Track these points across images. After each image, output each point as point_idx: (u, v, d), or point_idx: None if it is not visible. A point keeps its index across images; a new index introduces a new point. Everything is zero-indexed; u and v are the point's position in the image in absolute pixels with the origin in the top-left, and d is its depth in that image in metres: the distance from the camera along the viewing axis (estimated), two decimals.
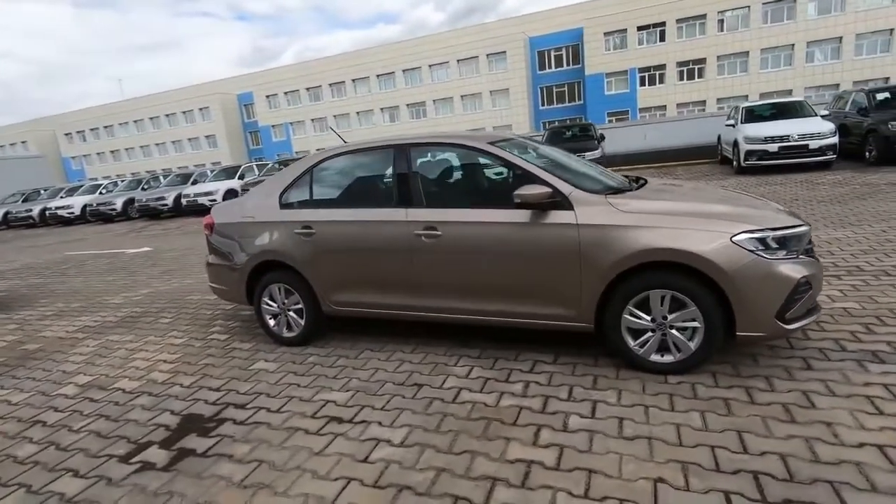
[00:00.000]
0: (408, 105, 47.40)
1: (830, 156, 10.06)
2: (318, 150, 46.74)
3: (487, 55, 43.60)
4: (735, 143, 11.28)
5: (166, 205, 17.17)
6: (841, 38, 34.57)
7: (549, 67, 44.19)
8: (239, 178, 17.23)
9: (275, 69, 56.89)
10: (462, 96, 45.32)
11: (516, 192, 2.73)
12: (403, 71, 46.83)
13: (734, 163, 11.43)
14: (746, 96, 36.54)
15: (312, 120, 51.10)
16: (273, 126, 52.65)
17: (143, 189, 19.31)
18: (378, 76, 47.74)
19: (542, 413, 2.47)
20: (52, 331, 4.82)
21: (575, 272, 2.72)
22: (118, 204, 18.42)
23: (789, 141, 10.11)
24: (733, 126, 11.78)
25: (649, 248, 2.54)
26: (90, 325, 4.89)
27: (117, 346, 4.13)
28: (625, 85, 40.08)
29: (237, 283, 3.75)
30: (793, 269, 2.46)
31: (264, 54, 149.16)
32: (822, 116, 11.01)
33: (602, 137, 13.12)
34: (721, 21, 36.83)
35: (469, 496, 1.93)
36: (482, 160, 3.25)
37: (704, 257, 2.46)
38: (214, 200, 16.30)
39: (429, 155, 3.37)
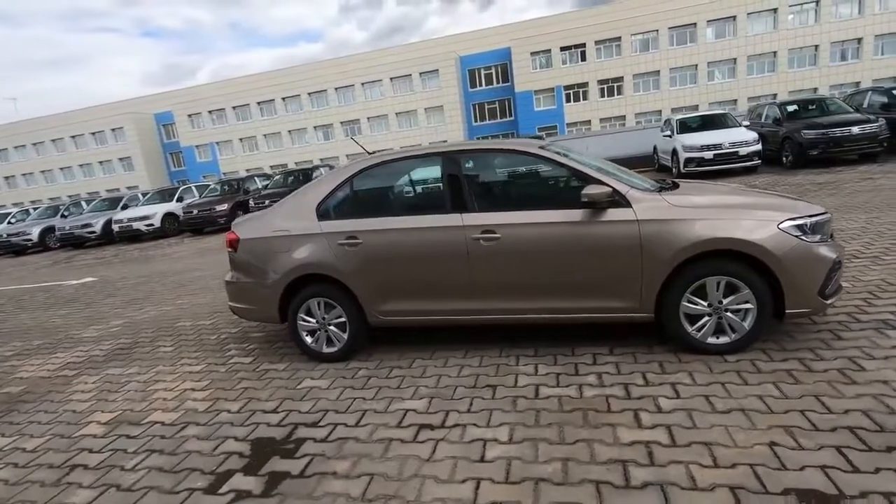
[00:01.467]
0: (342, 123, 46.91)
1: (756, 161, 11.30)
2: (248, 170, 44.94)
3: (420, 73, 44.33)
4: (674, 152, 12.32)
5: (94, 232, 15.76)
6: (735, 59, 38.81)
7: (480, 85, 45.70)
8: (178, 201, 16.19)
9: (196, 87, 54.12)
10: (397, 113, 45.60)
11: (584, 191, 2.87)
12: (336, 89, 46.38)
13: (673, 169, 12.45)
14: (660, 111, 39.87)
15: (241, 139, 49.09)
16: (197, 146, 49.95)
17: (62, 216, 17.55)
18: (310, 94, 46.91)
19: (629, 399, 2.59)
20: (29, 370, 4.29)
21: (636, 265, 2.90)
22: (34, 233, 16.65)
23: (722, 149, 11.23)
24: (670, 136, 12.87)
25: (708, 239, 2.77)
26: (73, 360, 4.41)
27: (124, 380, 3.76)
28: (552, 101, 42.30)
29: (269, 300, 3.58)
30: (828, 251, 2.80)
31: (177, 72, 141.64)
32: (746, 126, 12.35)
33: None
34: (634, 43, 40.07)
35: (609, 479, 2.00)
36: (531, 164, 3.38)
37: (758, 244, 2.73)
38: (151, 225, 15.24)
39: (476, 161, 3.43)
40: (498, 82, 45.05)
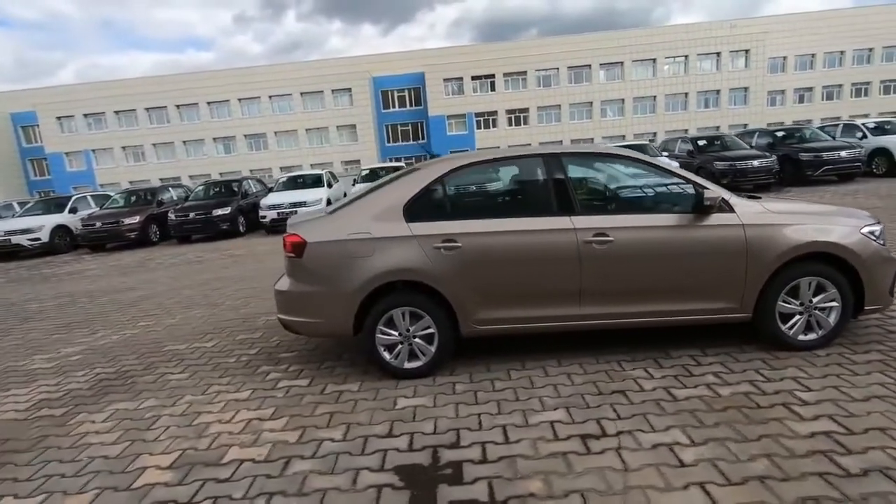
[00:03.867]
0: (245, 136, 44.15)
1: None
2: (131, 182, 40.20)
3: (333, 90, 43.47)
4: None
5: None
6: (623, 99, 43.54)
7: (394, 107, 45.97)
8: (71, 212, 13.93)
9: (69, 86, 47.47)
10: (307, 129, 44.07)
11: (707, 196, 2.97)
12: (240, 100, 43.67)
13: None
14: (561, 141, 43.22)
15: (124, 147, 43.92)
16: (67, 153, 43.73)
17: None
18: (209, 103, 43.59)
19: (765, 395, 2.67)
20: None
21: (741, 267, 3.05)
22: None
23: None
24: None
25: (808, 242, 3.01)
26: (46, 397, 3.50)
27: (150, 415, 3.06)
28: (464, 127, 43.85)
29: (343, 311, 3.16)
30: (892, 254, 3.18)
31: (34, 68, 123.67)
32: (665, 157, 13.81)
33: None
34: (538, 78, 43.23)
35: (828, 470, 2.03)
36: (628, 169, 3.41)
37: (849, 248, 3.02)
38: (37, 240, 12.95)
39: (577, 164, 3.37)
40: (411, 105, 45.67)
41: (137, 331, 5.04)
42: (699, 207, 3.03)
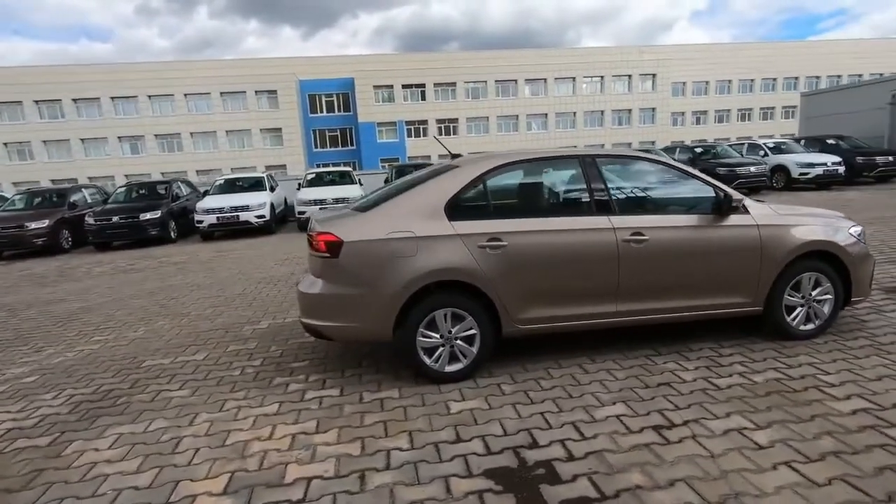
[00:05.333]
0: (157, 135, 40.78)
1: None
2: (15, 184, 35.45)
3: (256, 91, 41.50)
4: None
5: None
6: (546, 114, 45.80)
7: (322, 112, 44.79)
8: None
9: None
10: (227, 131, 41.61)
11: (736, 198, 3.20)
12: (150, 96, 40.29)
13: None
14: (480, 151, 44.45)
15: (6, 144, 38.71)
16: None
17: None
18: (113, 99, 39.78)
19: (793, 380, 2.91)
20: None
21: (756, 264, 3.32)
22: None
23: None
24: None
25: (812, 241, 3.34)
26: (19, 426, 2.95)
27: (167, 437, 2.69)
28: (394, 135, 43.73)
29: (383, 314, 3.00)
30: (870, 252, 3.62)
31: None
32: None
33: None
34: (467, 90, 44.27)
35: (884, 442, 2.24)
36: (658, 172, 3.56)
37: (842, 246, 3.39)
38: None
39: (612, 166, 3.46)
40: (340, 111, 44.77)
41: (96, 346, 4.42)
42: (726, 209, 3.26)
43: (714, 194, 3.37)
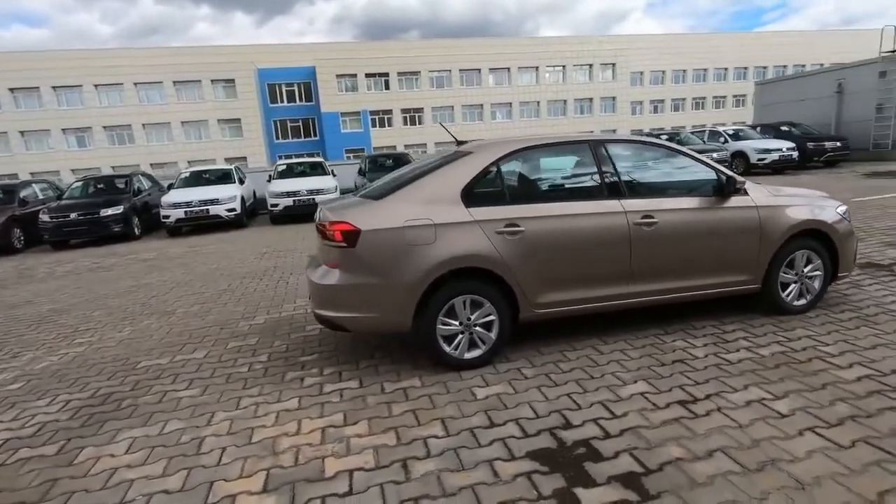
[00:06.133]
0: (105, 127, 38.62)
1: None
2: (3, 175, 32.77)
3: (213, 80, 39.86)
4: None
5: None
6: (510, 103, 46.07)
7: (282, 101, 43.52)
8: None
9: None
10: (183, 122, 39.84)
11: (739, 181, 3.31)
12: (96, 86, 38.04)
13: None
14: (455, 142, 44.37)
15: None
16: None
17: None
18: (55, 88, 37.36)
19: (796, 351, 3.07)
20: None
21: (755, 243, 3.46)
22: None
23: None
24: None
25: (805, 220, 3.52)
26: (16, 435, 2.77)
27: (187, 438, 2.58)
28: (359, 125, 43.01)
29: (403, 303, 2.96)
30: (853, 230, 3.84)
31: None
32: None
33: None
34: (432, 79, 43.94)
35: (892, 405, 2.40)
36: (663, 156, 3.64)
37: (832, 225, 3.58)
38: None
39: (620, 151, 3.49)
40: (301, 100, 43.62)
41: (81, 349, 4.18)
42: (729, 191, 3.38)
43: (716, 177, 3.49)
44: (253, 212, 13.96)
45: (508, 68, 45.35)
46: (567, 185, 3.39)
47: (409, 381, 3.06)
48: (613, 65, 47.41)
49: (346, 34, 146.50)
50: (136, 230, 11.56)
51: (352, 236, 2.94)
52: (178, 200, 11.31)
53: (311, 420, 2.68)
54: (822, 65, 44.79)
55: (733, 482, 1.95)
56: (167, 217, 11.24)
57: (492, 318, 3.12)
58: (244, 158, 39.06)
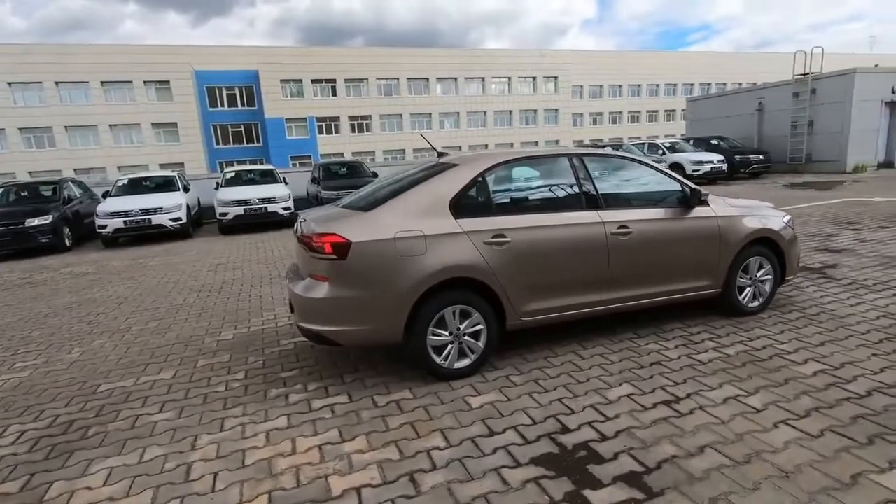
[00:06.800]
0: (21, 129, 35.46)
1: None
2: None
3: (145, 82, 37.65)
4: None
5: None
6: (458, 112, 46.69)
7: (223, 105, 41.76)
8: None
9: None
10: (111, 125, 37.30)
11: (703, 193, 3.56)
12: (10, 84, 34.90)
13: None
14: (404, 150, 44.51)
15: None
16: None
17: None
18: None
19: (758, 350, 3.34)
20: None
21: (716, 250, 3.74)
22: None
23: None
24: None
25: (758, 229, 3.84)
26: None
27: (171, 466, 2.42)
28: (305, 132, 42.07)
29: (394, 315, 2.95)
30: (797, 236, 4.22)
31: None
32: None
33: (375, 175, 14.04)
34: (380, 86, 43.77)
35: (845, 396, 2.67)
36: (631, 169, 3.83)
37: (780, 233, 3.93)
38: None
39: (595, 163, 3.63)
40: (243, 105, 42.07)
41: (26, 373, 3.82)
42: (695, 202, 3.63)
43: (681, 189, 3.74)
44: (198, 221, 13.29)
45: (456, 78, 46.00)
46: (548, 197, 3.51)
47: (399, 393, 3.04)
48: (556, 78, 49.26)
49: (288, 38, 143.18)
50: (66, 241, 10.68)
51: (342, 248, 2.89)
52: (116, 209, 10.57)
53: (306, 438, 2.60)
54: (740, 84, 48.88)
55: (727, 475, 2.10)
56: (104, 227, 10.47)
57: (480, 327, 3.17)
58: (181, 164, 37.05)
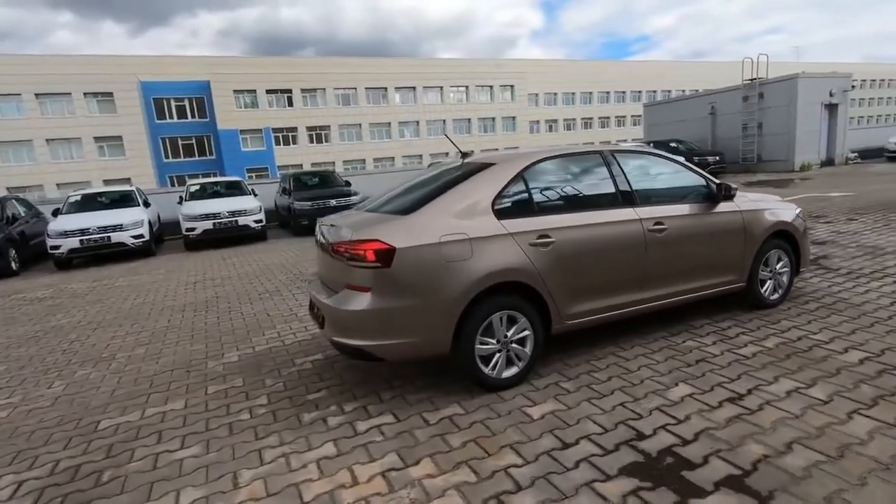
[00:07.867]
0: None
1: None
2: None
3: (86, 94, 35.53)
4: None
5: None
6: (418, 122, 46.63)
7: (171, 118, 39.95)
8: None
9: None
10: (48, 140, 34.90)
11: (734, 189, 3.57)
12: None
13: None
14: (364, 160, 43.99)
15: None
16: None
17: None
18: None
19: (796, 341, 3.35)
20: None
21: (741, 244, 3.76)
22: None
23: None
24: None
25: (777, 222, 3.89)
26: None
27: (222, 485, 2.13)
28: (261, 143, 40.87)
29: (442, 324, 2.75)
30: (807, 229, 4.32)
31: None
32: None
33: (347, 183, 13.65)
34: (338, 96, 43.14)
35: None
36: (661, 166, 3.78)
37: (796, 226, 4.01)
38: None
39: (627, 161, 3.55)
40: (194, 116, 40.41)
41: (4, 413, 3.34)
42: (724, 197, 3.64)
43: (707, 184, 3.74)
44: (159, 238, 12.49)
45: (414, 87, 46.03)
46: (586, 195, 3.40)
47: (449, 408, 2.84)
48: (512, 86, 50.18)
49: (235, 49, 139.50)
50: (13, 265, 9.72)
51: (386, 255, 2.67)
52: (70, 228, 9.73)
53: (364, 465, 2.36)
54: (683, 91, 51.45)
55: (829, 472, 2.03)
56: (57, 247, 9.61)
57: (526, 333, 3.02)
58: (128, 179, 34.92)
